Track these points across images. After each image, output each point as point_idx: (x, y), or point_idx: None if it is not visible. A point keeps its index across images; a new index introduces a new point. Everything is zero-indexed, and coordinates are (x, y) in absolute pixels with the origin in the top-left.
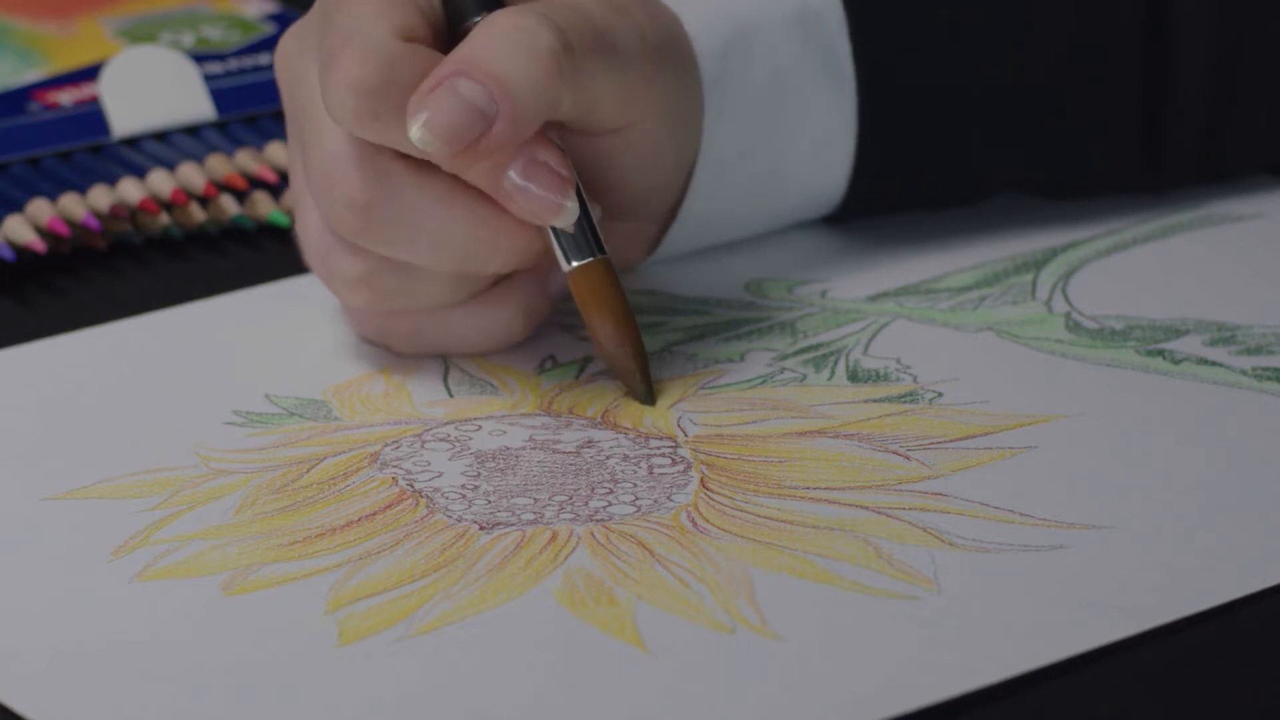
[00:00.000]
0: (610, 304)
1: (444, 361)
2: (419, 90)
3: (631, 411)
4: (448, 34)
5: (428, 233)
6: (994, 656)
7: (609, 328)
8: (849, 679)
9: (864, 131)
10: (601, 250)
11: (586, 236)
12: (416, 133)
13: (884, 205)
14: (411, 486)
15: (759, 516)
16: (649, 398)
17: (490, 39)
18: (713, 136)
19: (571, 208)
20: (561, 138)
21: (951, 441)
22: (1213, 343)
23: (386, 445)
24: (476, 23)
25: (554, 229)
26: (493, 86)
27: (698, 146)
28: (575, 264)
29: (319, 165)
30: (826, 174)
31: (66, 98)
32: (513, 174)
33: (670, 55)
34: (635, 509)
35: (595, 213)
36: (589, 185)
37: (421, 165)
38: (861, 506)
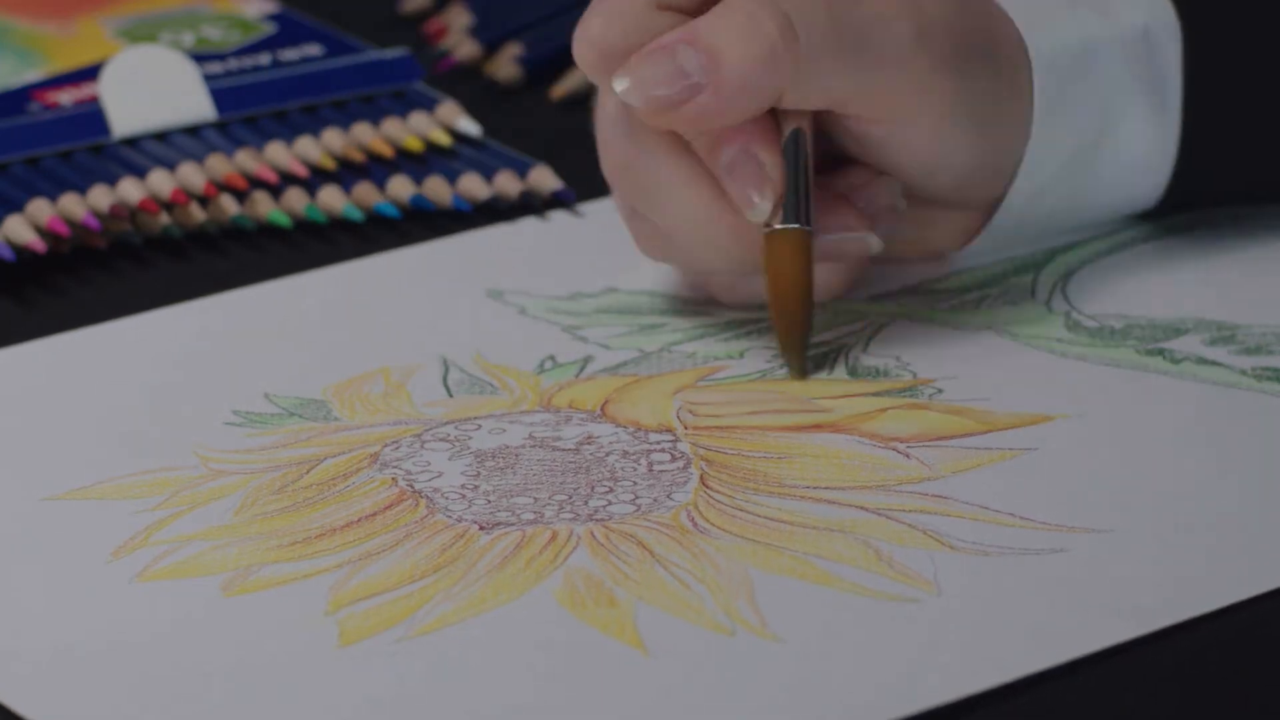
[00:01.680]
0: (792, 275)
1: (443, 361)
2: (642, 49)
3: (630, 404)
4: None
5: (674, 207)
6: (994, 660)
7: (785, 297)
8: (849, 682)
9: (1185, 150)
10: (805, 222)
11: (796, 206)
12: (621, 85)
13: (1198, 205)
14: (411, 487)
15: (759, 516)
16: (800, 372)
17: (719, 16)
18: (1038, 152)
19: (762, 207)
20: (833, 119)
21: (951, 439)
22: (1212, 342)
23: (386, 445)
24: None
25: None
26: (707, 60)
27: (1013, 150)
28: (775, 226)
29: (599, 120)
30: (1144, 181)
31: (66, 98)
32: (724, 158)
33: (972, 59)
34: (635, 508)
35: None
36: (866, 168)
37: (678, 142)
38: (861, 508)
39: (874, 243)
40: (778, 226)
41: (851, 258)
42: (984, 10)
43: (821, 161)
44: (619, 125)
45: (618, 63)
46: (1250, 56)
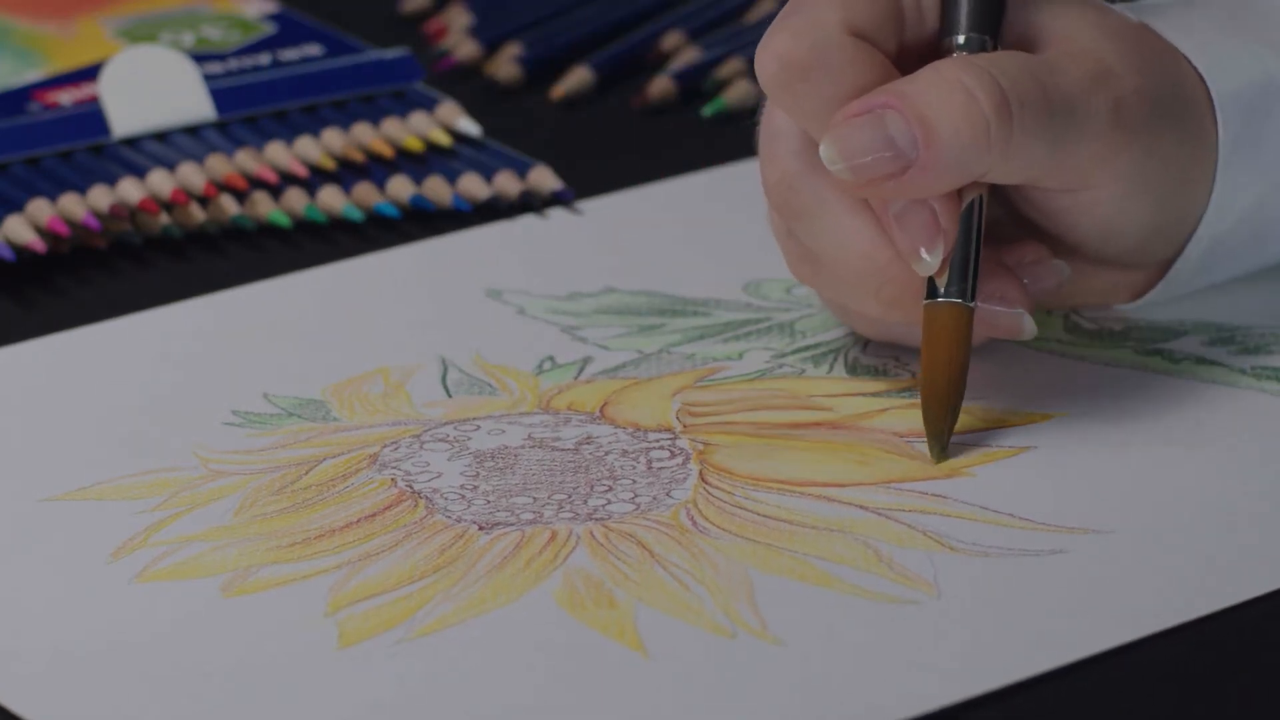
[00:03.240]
0: (948, 351)
1: (443, 362)
2: (847, 108)
3: (630, 406)
4: (930, 46)
5: (833, 235)
6: (994, 662)
7: (939, 372)
8: (850, 684)
9: None
10: (968, 298)
11: (964, 280)
12: (828, 151)
13: None
14: (411, 487)
15: (758, 515)
16: (938, 455)
17: (932, 83)
18: (1222, 200)
19: (929, 262)
20: (1016, 185)
21: (951, 436)
22: (1212, 342)
23: (385, 446)
24: (958, 43)
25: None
26: (920, 132)
27: (1192, 214)
28: (940, 298)
29: (763, 133)
30: None
31: (66, 98)
32: (896, 204)
33: (1162, 127)
34: (634, 506)
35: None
36: (1037, 231)
37: None
38: (861, 506)
39: (1028, 326)
40: (940, 299)
41: (1002, 332)
42: (1174, 70)
43: (991, 226)
44: (786, 141)
45: (799, 78)
46: None
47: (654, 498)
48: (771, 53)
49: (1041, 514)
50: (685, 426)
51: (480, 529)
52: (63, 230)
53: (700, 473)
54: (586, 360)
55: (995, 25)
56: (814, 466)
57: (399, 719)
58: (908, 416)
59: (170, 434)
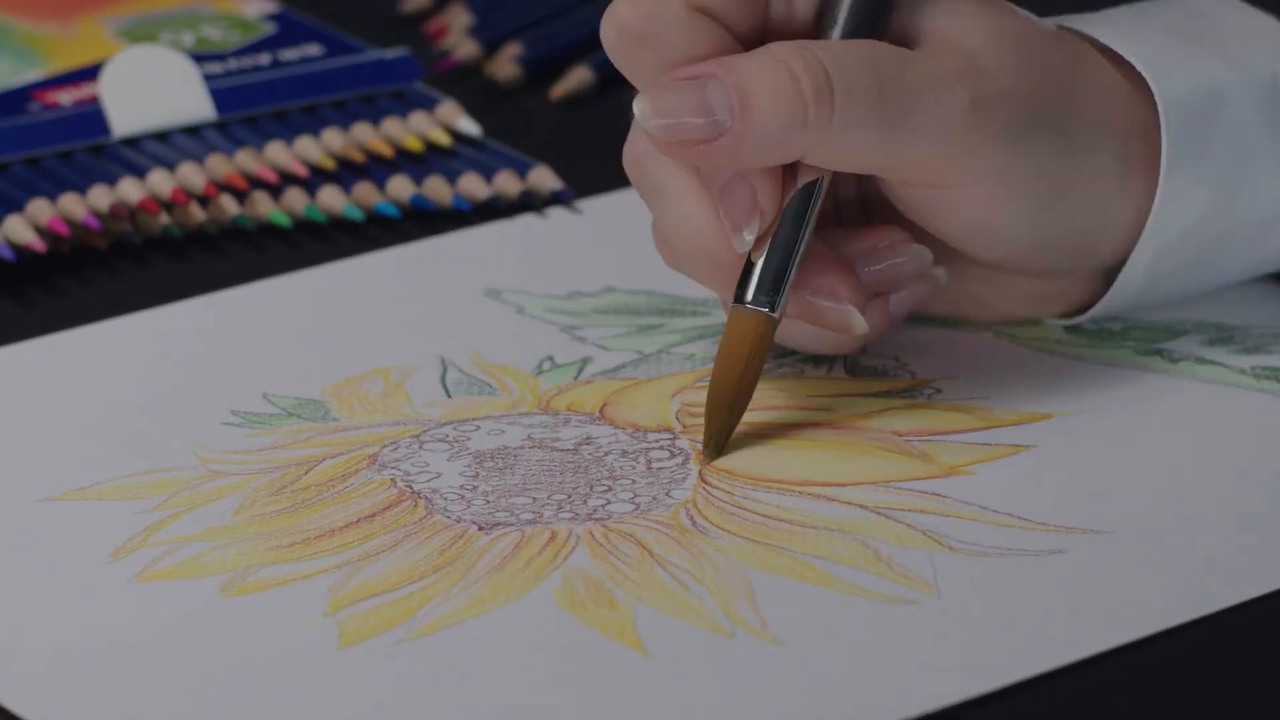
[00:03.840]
0: (744, 362)
1: (442, 361)
2: (674, 72)
3: (629, 407)
4: (802, 35)
5: (671, 213)
6: (994, 662)
7: (725, 376)
8: (849, 685)
9: None
10: (772, 309)
11: (773, 288)
12: (641, 108)
13: None
14: (410, 488)
15: (758, 514)
16: (712, 452)
17: (760, 60)
18: (1168, 207)
19: (745, 239)
20: (882, 184)
21: (950, 434)
22: (1211, 342)
23: (385, 446)
24: (829, 19)
25: (755, 266)
26: (736, 101)
27: (1093, 218)
28: (743, 304)
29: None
30: (1275, 241)
31: (66, 98)
32: (720, 177)
33: (1037, 130)
34: (634, 506)
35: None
36: (918, 231)
37: None
38: (861, 506)
39: (856, 321)
40: (746, 305)
41: (830, 326)
42: (1076, 79)
43: (860, 205)
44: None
45: (633, 44)
46: None
47: (653, 498)
48: (612, 18)
49: (1041, 514)
50: (685, 427)
51: (480, 529)
52: (63, 230)
53: (700, 473)
54: (586, 360)
55: (872, 28)
56: (814, 466)
57: (399, 719)
58: (907, 416)
59: (170, 434)
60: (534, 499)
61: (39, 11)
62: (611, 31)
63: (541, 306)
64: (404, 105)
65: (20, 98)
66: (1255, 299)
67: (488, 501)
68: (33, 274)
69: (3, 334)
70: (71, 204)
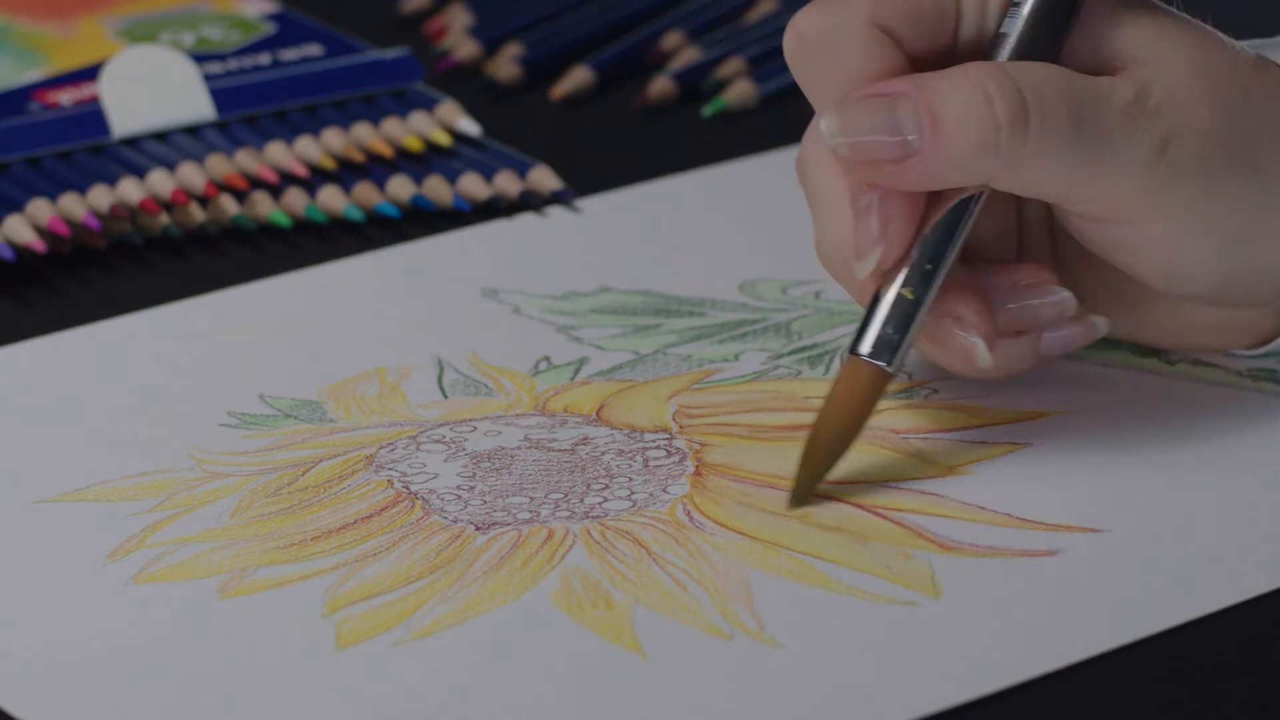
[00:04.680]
0: (846, 411)
1: (438, 362)
2: (864, 87)
3: (626, 408)
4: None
5: (820, 218)
6: (992, 663)
7: (830, 426)
8: (847, 686)
9: None
10: (889, 363)
11: (893, 344)
12: (828, 125)
13: None
14: (407, 489)
15: (756, 509)
16: (798, 499)
17: (953, 80)
18: None
19: (864, 264)
20: (1063, 215)
21: (948, 432)
22: None
23: (382, 447)
24: (1004, 35)
25: (876, 318)
26: (928, 123)
27: None
28: (858, 354)
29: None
30: None
31: (66, 98)
32: (863, 198)
33: (1230, 170)
34: (631, 503)
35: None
36: (1085, 261)
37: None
38: (858, 505)
39: (980, 354)
40: (862, 356)
41: (952, 354)
42: (1268, 112)
43: (1019, 241)
44: (813, 123)
45: (811, 56)
46: None
47: (650, 494)
48: (794, 28)
49: (1038, 513)
50: (681, 428)
51: (477, 529)
52: (63, 230)
53: (696, 469)
54: (583, 361)
55: (1052, 45)
56: None
57: None
58: (904, 416)
59: (167, 435)
60: (531, 498)
61: (39, 11)
62: (793, 41)
63: (538, 307)
64: (404, 105)
65: (20, 98)
66: None
67: (484, 502)
68: (33, 274)
69: (3, 334)
70: (71, 204)
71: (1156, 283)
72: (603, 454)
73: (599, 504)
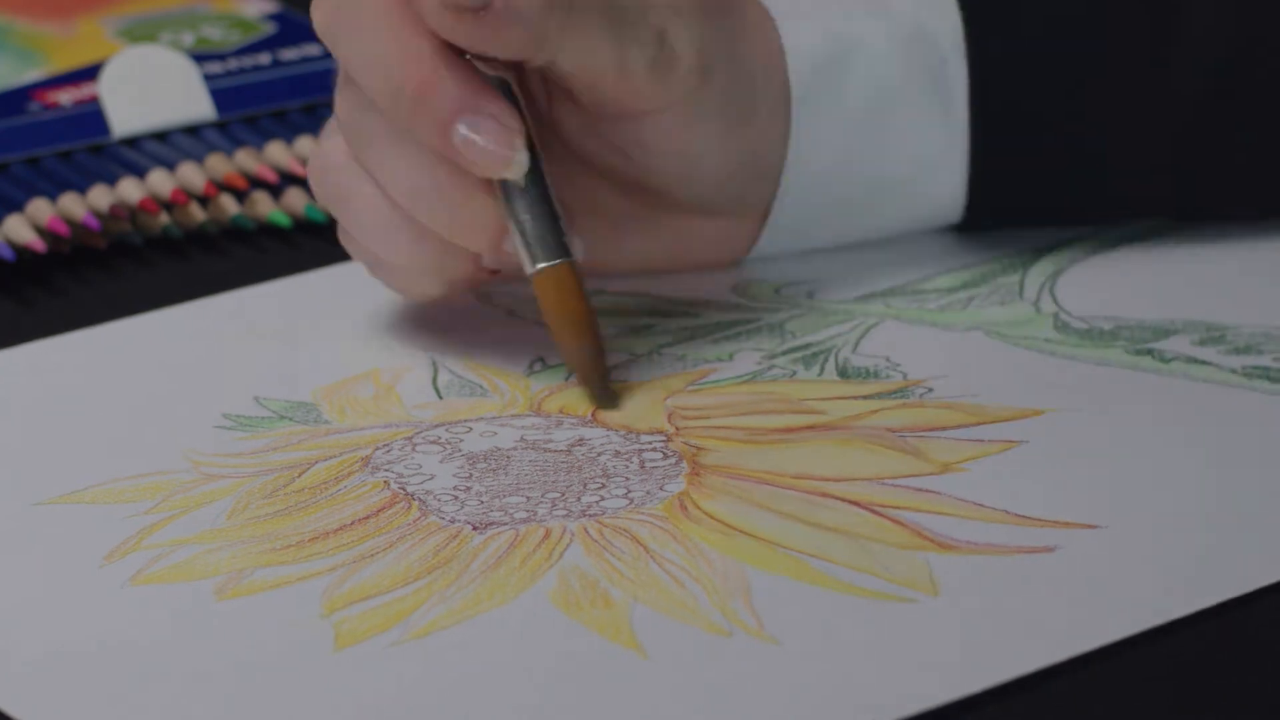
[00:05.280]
0: (571, 309)
1: (433, 363)
2: None
3: (621, 409)
4: None
5: (384, 162)
6: (992, 660)
7: (570, 332)
8: (847, 684)
9: (976, 152)
10: (567, 254)
11: (552, 239)
12: None
13: (1006, 220)
14: (404, 490)
15: (754, 506)
16: (610, 401)
17: None
18: (800, 147)
19: (520, 159)
20: (590, 123)
21: (945, 430)
22: (1202, 342)
23: (377, 449)
24: None
25: (520, 229)
26: None
27: (764, 151)
28: (540, 266)
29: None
30: (937, 189)
31: (66, 98)
32: (461, 128)
33: (719, 60)
34: (628, 502)
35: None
36: (619, 175)
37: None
38: (855, 503)
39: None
40: (541, 266)
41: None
42: (743, 20)
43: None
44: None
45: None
46: (1038, 63)
47: (647, 492)
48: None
49: (1035, 510)
50: (678, 430)
51: (474, 529)
52: (63, 230)
53: (693, 469)
54: None
55: None
56: (807, 462)
57: None
58: (901, 417)
59: (162, 437)
60: (528, 498)
61: (39, 11)
62: (318, 14)
63: (532, 308)
64: None
65: (20, 98)
66: (1245, 299)
67: (481, 502)
68: (33, 274)
69: (3, 334)
70: (71, 204)
71: (671, 184)
72: (599, 455)
73: (596, 502)
